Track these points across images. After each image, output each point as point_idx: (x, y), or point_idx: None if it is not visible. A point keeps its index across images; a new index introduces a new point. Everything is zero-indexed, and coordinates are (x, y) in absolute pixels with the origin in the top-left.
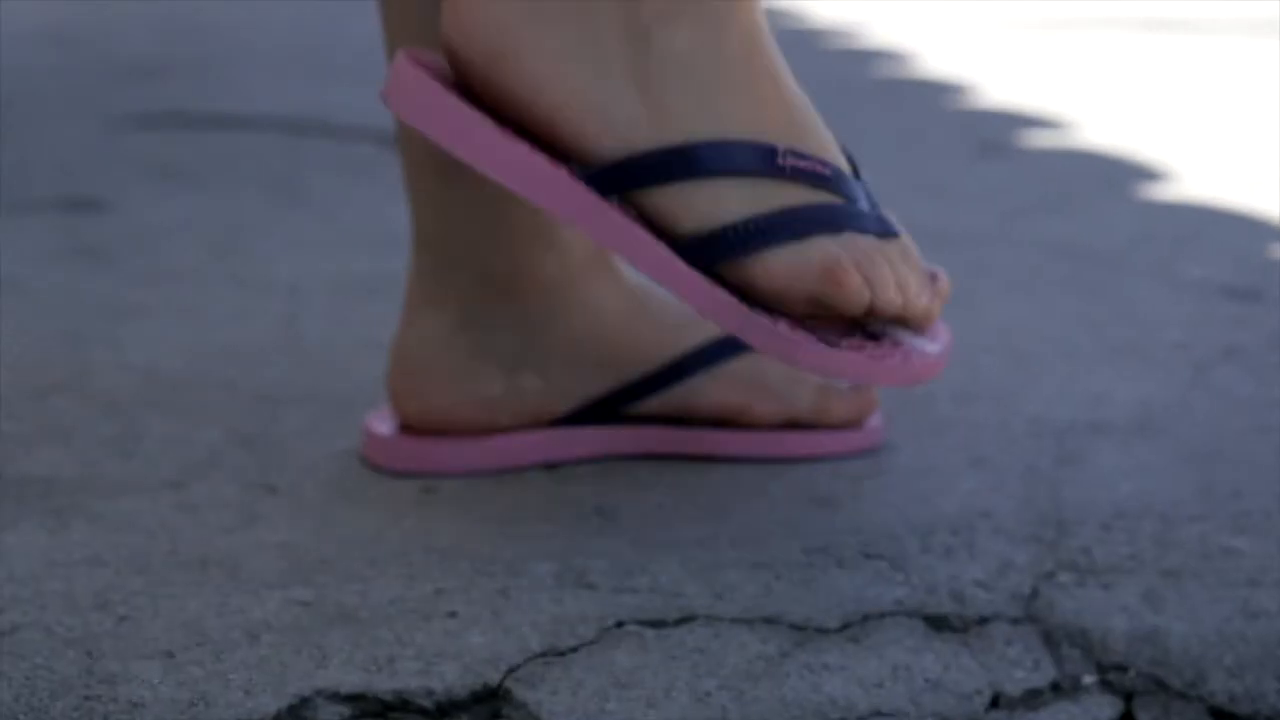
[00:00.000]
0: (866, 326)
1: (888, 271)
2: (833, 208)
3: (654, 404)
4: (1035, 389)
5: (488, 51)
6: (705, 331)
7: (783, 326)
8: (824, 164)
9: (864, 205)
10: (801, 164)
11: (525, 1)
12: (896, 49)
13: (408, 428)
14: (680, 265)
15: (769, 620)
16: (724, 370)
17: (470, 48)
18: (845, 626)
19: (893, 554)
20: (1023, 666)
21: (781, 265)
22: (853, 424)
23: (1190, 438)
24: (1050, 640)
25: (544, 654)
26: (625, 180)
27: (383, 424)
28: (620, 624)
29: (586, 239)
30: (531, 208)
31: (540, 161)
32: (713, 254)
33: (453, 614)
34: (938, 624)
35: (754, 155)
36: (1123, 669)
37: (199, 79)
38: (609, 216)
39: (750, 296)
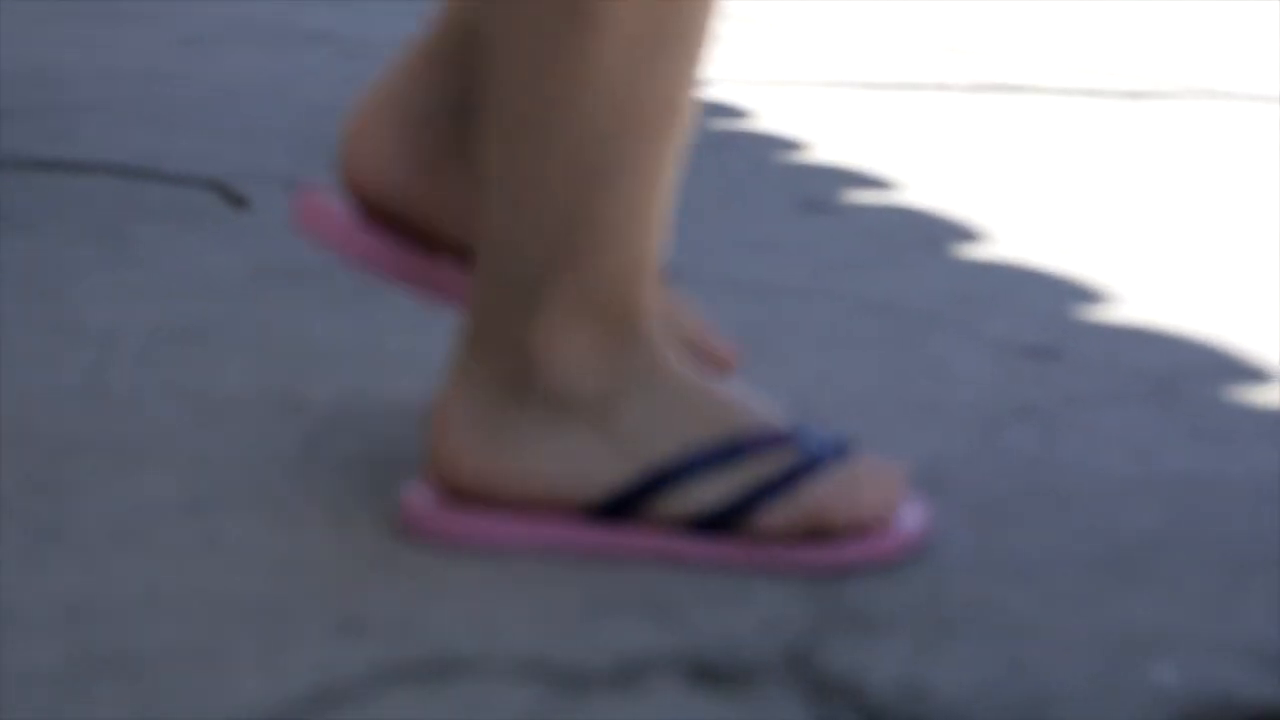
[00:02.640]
0: None
1: (863, 493)
2: (803, 461)
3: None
4: None
5: (477, 483)
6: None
7: (784, 549)
8: (776, 437)
9: (816, 441)
10: (761, 440)
11: (488, 422)
12: (727, 104)
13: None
14: (695, 542)
15: (540, 669)
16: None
17: (460, 479)
18: (615, 676)
19: (667, 604)
20: (788, 717)
21: (780, 519)
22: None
23: (973, 493)
24: (818, 691)
25: (313, 700)
26: (627, 506)
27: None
28: (392, 672)
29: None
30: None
31: (551, 522)
32: (722, 526)
33: (224, 662)
34: (707, 674)
35: (725, 449)
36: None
37: (36, 123)
38: (623, 532)
39: (756, 542)
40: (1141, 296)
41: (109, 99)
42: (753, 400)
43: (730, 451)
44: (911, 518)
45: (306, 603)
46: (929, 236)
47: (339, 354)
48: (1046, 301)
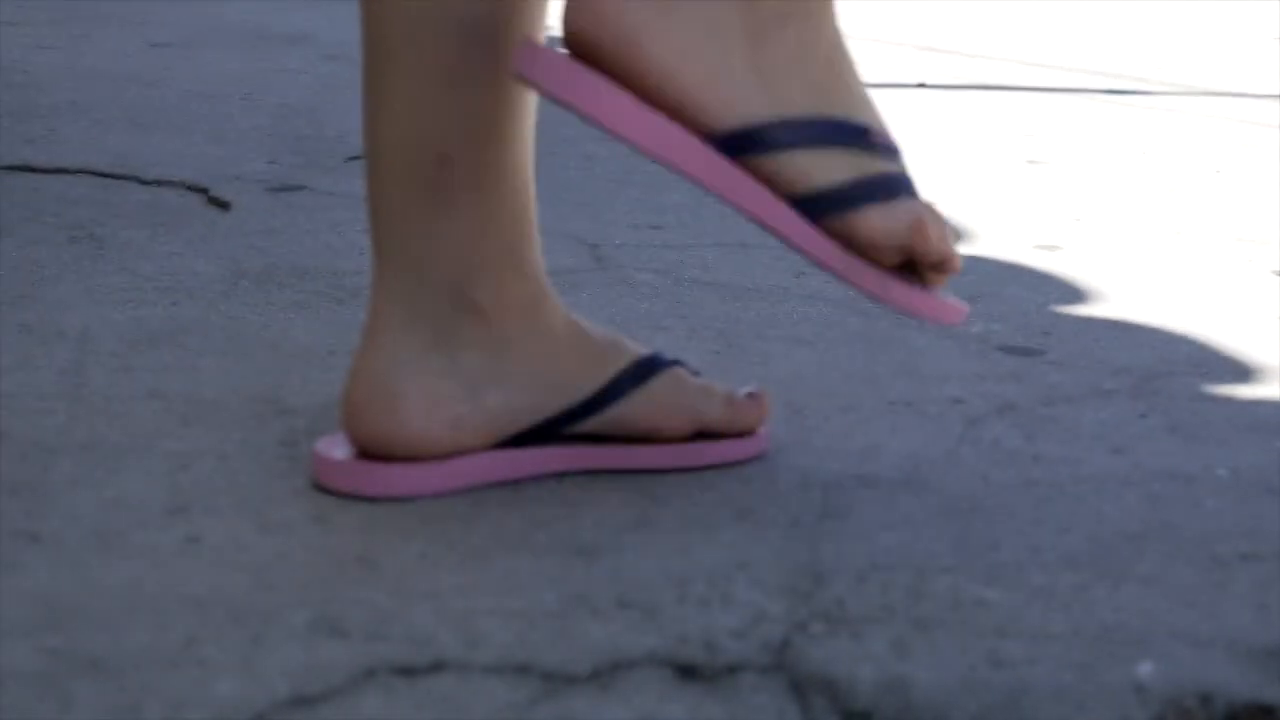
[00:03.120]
0: (921, 278)
1: (941, 228)
2: (905, 176)
3: (589, 424)
4: (808, 443)
5: (619, 37)
6: (626, 357)
7: (880, 271)
8: (893, 141)
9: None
10: (884, 140)
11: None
12: None
13: (365, 452)
14: (795, 218)
15: (520, 669)
16: (645, 390)
17: (601, 33)
18: (595, 675)
19: (647, 604)
20: (768, 714)
21: (878, 220)
22: (753, 429)
23: (953, 491)
24: (798, 689)
25: (292, 702)
26: (747, 146)
27: (338, 449)
28: (371, 672)
29: (541, 269)
30: (508, 233)
31: (675, 129)
32: (821, 209)
33: (202, 662)
34: (687, 673)
35: (853, 131)
36: (868, 716)
37: (12, 126)
38: (736, 176)
39: (849, 246)
40: (1122, 293)
41: (86, 102)
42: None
43: (858, 137)
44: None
45: (286, 603)
46: None
47: (317, 356)
48: (1027, 299)
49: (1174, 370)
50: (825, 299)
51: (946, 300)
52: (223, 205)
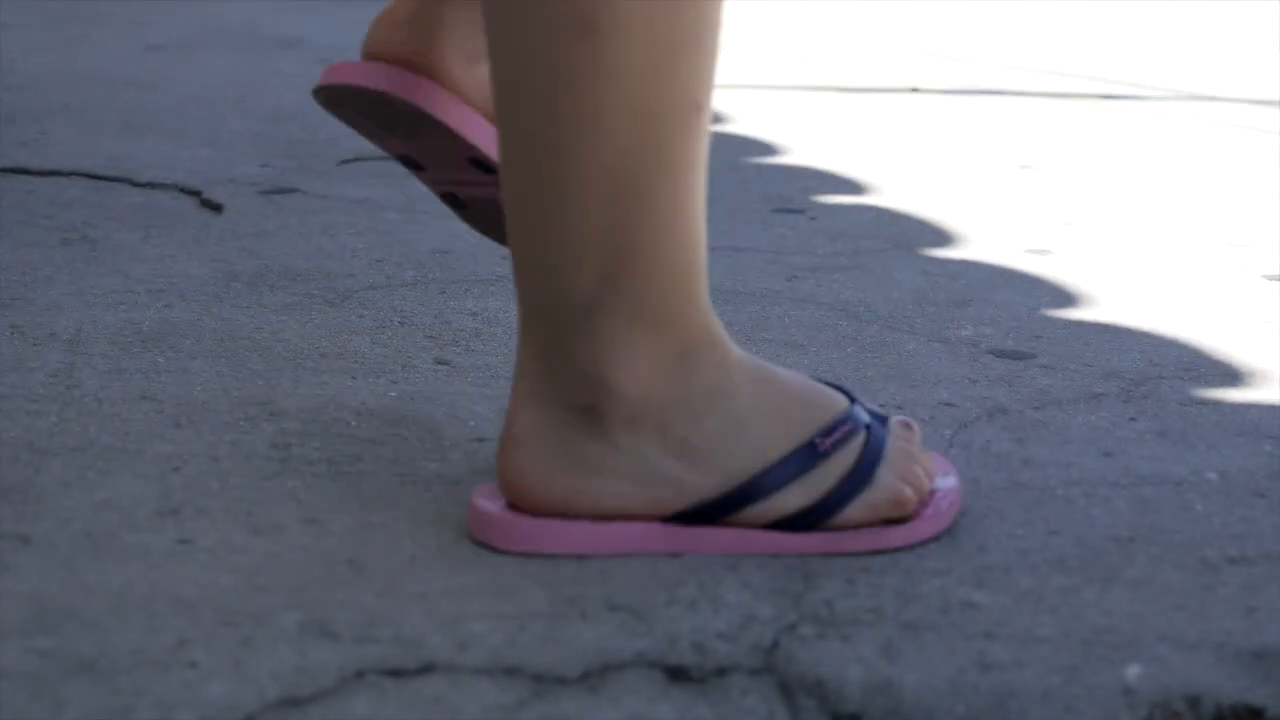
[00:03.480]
0: None
1: (918, 469)
2: (870, 449)
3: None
4: None
5: (548, 504)
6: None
7: (866, 533)
8: (844, 422)
9: (867, 417)
10: (835, 438)
11: (564, 457)
12: None
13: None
14: (779, 537)
15: (509, 670)
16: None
17: (532, 504)
18: (585, 677)
19: (638, 606)
20: (757, 716)
21: (859, 513)
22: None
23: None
24: (787, 690)
25: (281, 703)
26: (707, 518)
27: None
28: (360, 674)
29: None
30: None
31: (632, 525)
32: (804, 526)
33: (193, 664)
34: (677, 674)
35: (803, 459)
36: (856, 718)
37: (5, 128)
38: (703, 533)
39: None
40: (1113, 298)
41: (80, 104)
42: (814, 387)
43: (808, 460)
44: (945, 475)
45: (277, 605)
46: (901, 239)
47: (309, 358)
48: (1018, 303)
49: (1164, 374)
50: (817, 303)
51: (931, 518)
52: (215, 208)
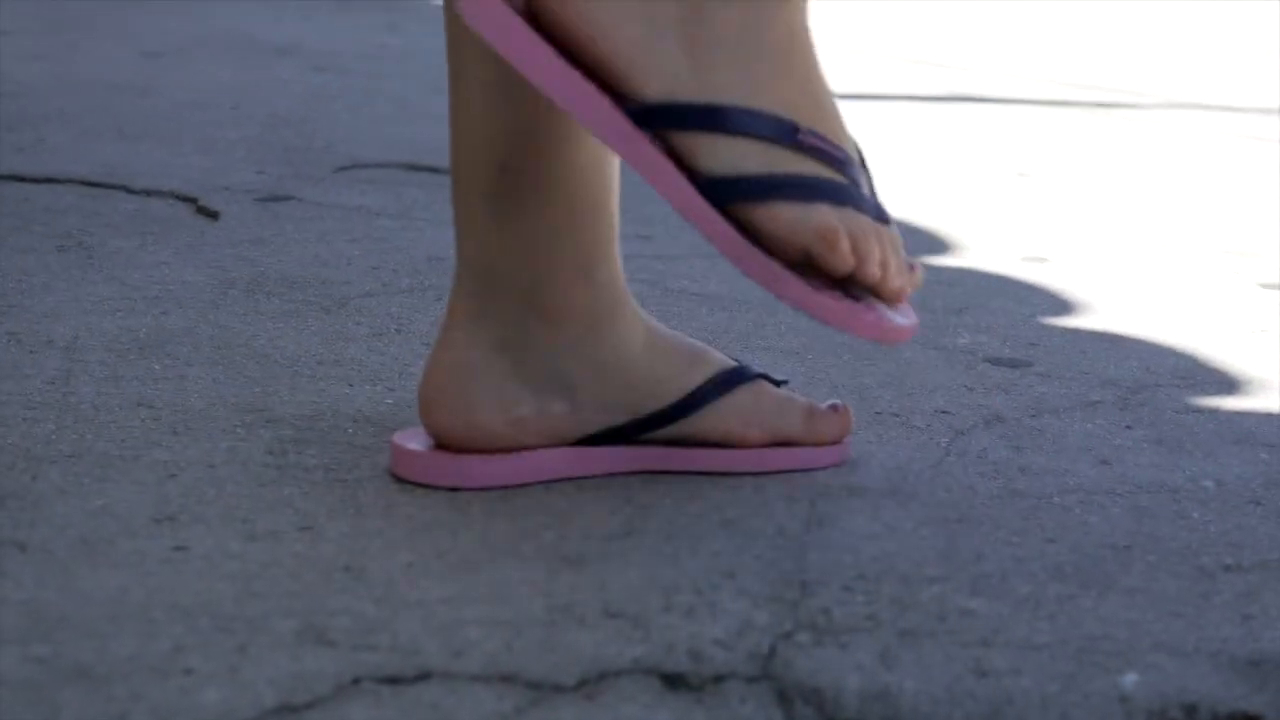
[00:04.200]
0: (848, 290)
1: (874, 247)
2: (839, 184)
3: (664, 433)
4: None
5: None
6: (710, 369)
7: (776, 264)
8: (837, 147)
9: (866, 191)
10: (818, 143)
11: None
12: None
13: (440, 444)
14: (696, 196)
15: (506, 678)
16: (725, 402)
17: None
18: (582, 684)
19: (634, 613)
20: None
21: (785, 217)
22: (834, 442)
23: (940, 502)
24: (784, 698)
25: (278, 710)
26: (660, 120)
27: (413, 440)
28: (357, 681)
29: (617, 279)
30: (577, 240)
31: (590, 89)
32: (727, 194)
33: (189, 671)
34: (674, 682)
35: (778, 126)
36: None
37: (3, 135)
38: (639, 145)
39: (751, 237)
40: (1109, 306)
41: (75, 111)
42: (837, 109)
43: (780, 131)
44: (903, 315)
45: (273, 612)
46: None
47: (305, 365)
48: (1014, 311)
49: (1160, 382)
50: None
51: (864, 311)
52: (211, 215)
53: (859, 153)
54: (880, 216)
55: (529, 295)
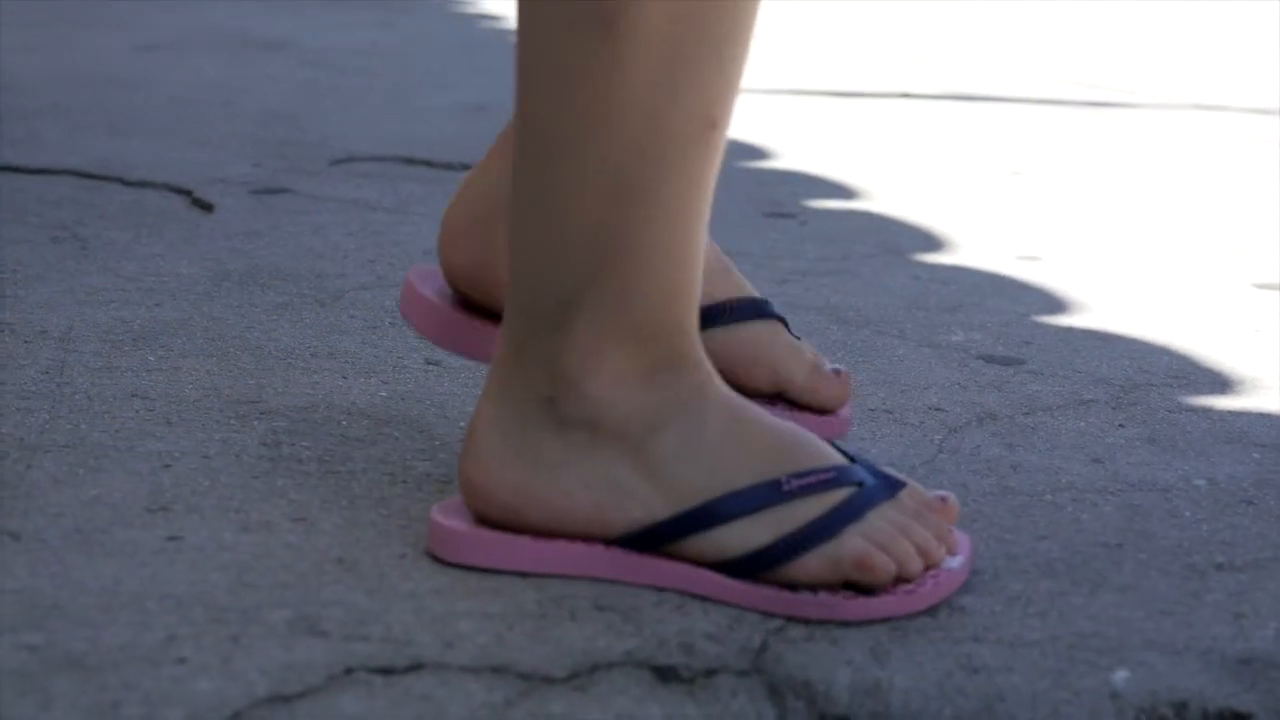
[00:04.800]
0: None
1: (907, 544)
2: (847, 503)
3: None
4: None
5: (505, 498)
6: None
7: (824, 596)
8: (825, 471)
9: (868, 480)
10: (806, 482)
11: (522, 455)
12: None
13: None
14: (727, 581)
15: (497, 669)
16: (738, 332)
17: (490, 500)
18: (573, 676)
19: (626, 607)
20: (746, 717)
21: (817, 565)
22: (833, 407)
23: None
24: (775, 692)
25: (270, 699)
26: (652, 542)
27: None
28: (349, 671)
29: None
30: None
31: (575, 546)
32: (754, 570)
33: (181, 660)
34: (665, 675)
35: (763, 493)
36: None
37: None
38: (649, 564)
39: (793, 588)
40: (1103, 304)
41: (70, 105)
42: (803, 434)
43: (770, 495)
44: (956, 555)
45: (266, 603)
46: (892, 244)
47: (299, 357)
48: (1009, 309)
49: (1153, 381)
50: (807, 307)
51: (933, 585)
52: (206, 207)
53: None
54: (891, 488)
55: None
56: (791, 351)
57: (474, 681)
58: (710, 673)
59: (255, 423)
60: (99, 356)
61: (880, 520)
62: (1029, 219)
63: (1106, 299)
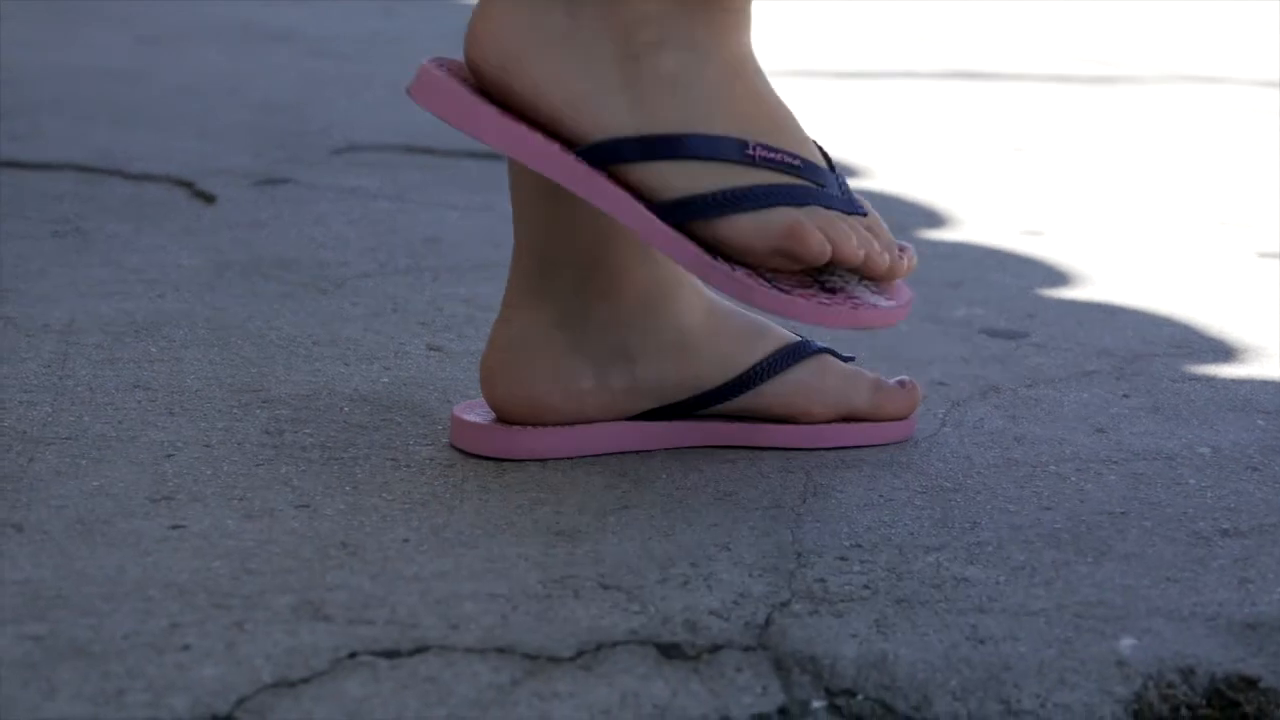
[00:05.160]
0: (825, 283)
1: (848, 231)
2: (797, 187)
3: (726, 407)
4: None
5: (499, 59)
6: (773, 343)
7: (740, 273)
8: (793, 155)
9: (834, 190)
10: (771, 155)
11: (530, 20)
12: None
13: (500, 417)
14: (655, 220)
15: (502, 650)
16: (788, 377)
17: (485, 56)
18: (578, 655)
19: (630, 585)
20: (751, 692)
21: (747, 224)
22: (903, 417)
23: (936, 471)
24: (781, 667)
25: (275, 685)
26: (608, 156)
27: (472, 413)
28: (354, 655)
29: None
30: None
31: (536, 137)
32: (684, 214)
33: (186, 647)
34: (670, 652)
35: (726, 145)
36: (851, 694)
37: None
38: (595, 181)
39: (718, 251)
40: (1106, 277)
41: (71, 97)
42: (794, 121)
43: (732, 150)
44: (889, 298)
45: (269, 588)
46: (895, 222)
47: (301, 346)
48: (1011, 283)
49: (1157, 351)
50: None
51: (839, 302)
52: (208, 199)
53: (825, 157)
54: (852, 209)
55: (586, 273)
56: (847, 379)
57: (479, 663)
58: (715, 649)
59: (258, 411)
60: (101, 348)
61: (824, 211)
62: (1032, 194)
63: (1110, 272)
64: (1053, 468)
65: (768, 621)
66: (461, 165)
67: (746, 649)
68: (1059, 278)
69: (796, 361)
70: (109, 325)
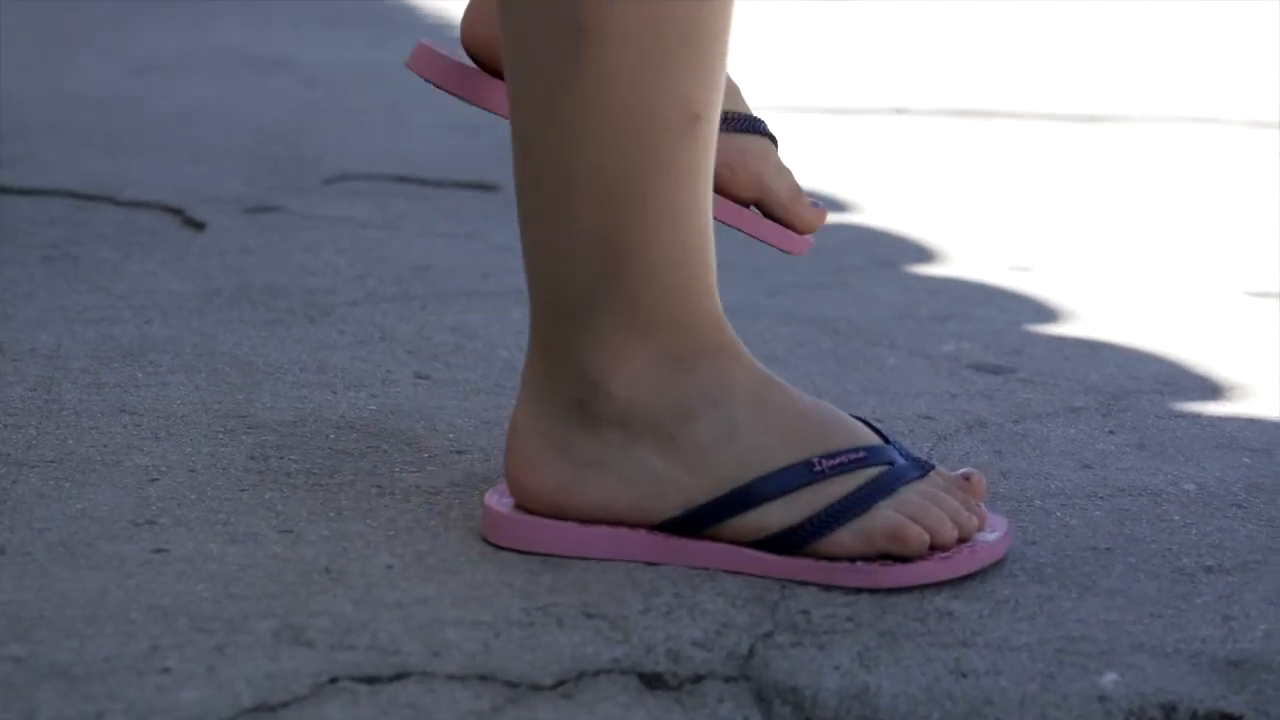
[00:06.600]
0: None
1: (939, 513)
2: (877, 480)
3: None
4: None
5: (551, 503)
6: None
7: (861, 565)
8: (855, 451)
9: (898, 459)
10: (836, 462)
11: (559, 453)
12: None
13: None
14: (767, 557)
15: (484, 677)
16: (738, 144)
17: (535, 502)
18: (560, 684)
19: (614, 614)
20: None
21: (850, 539)
22: (804, 231)
23: None
24: (762, 698)
25: (255, 709)
26: (693, 527)
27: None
28: (335, 680)
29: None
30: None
31: (620, 530)
32: (790, 546)
33: (167, 670)
34: (652, 682)
35: (796, 474)
36: None
37: None
38: (688, 549)
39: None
40: (1093, 313)
41: (64, 124)
42: (834, 414)
43: (802, 476)
44: (992, 531)
45: (252, 613)
46: (883, 257)
47: (288, 372)
48: (999, 318)
49: (1143, 388)
50: (798, 318)
51: (969, 553)
52: (198, 226)
53: (878, 431)
54: (924, 470)
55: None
56: (778, 170)
57: (460, 689)
58: (698, 679)
59: (243, 436)
60: (87, 373)
61: (910, 494)
62: (1020, 231)
63: (1098, 308)
64: (1038, 502)
65: (750, 652)
66: (452, 195)
67: (729, 679)
68: (1047, 314)
69: (746, 132)
70: (96, 350)
